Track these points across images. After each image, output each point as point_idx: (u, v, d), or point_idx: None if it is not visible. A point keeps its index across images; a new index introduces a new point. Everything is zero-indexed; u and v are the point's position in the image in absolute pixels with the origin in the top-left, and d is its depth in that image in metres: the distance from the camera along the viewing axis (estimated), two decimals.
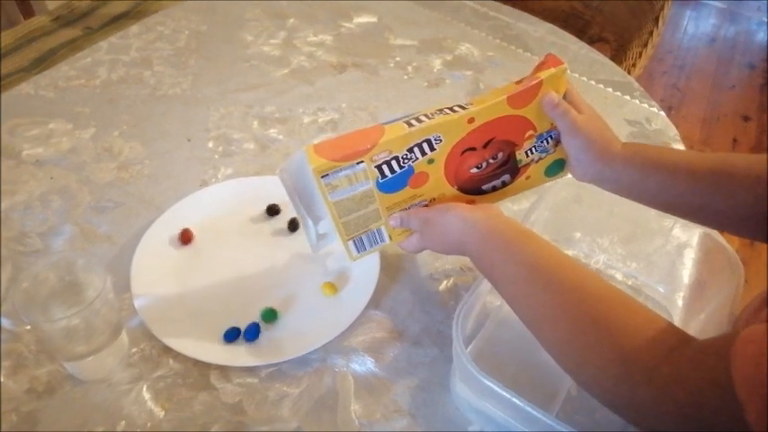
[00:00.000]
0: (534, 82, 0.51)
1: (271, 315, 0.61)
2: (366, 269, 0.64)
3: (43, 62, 0.95)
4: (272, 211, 0.71)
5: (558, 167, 0.58)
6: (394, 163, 0.52)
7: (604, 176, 0.54)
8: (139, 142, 0.82)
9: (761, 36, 2.59)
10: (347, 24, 1.07)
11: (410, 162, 0.52)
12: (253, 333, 0.59)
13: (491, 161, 0.55)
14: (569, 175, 0.58)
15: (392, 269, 0.67)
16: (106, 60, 0.96)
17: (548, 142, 0.55)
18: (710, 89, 2.29)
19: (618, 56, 1.10)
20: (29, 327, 0.59)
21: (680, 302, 0.64)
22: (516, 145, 0.55)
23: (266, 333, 0.60)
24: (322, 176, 0.51)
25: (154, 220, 0.68)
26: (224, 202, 0.72)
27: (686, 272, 0.66)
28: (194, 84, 0.93)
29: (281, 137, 0.84)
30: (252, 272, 0.66)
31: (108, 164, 0.79)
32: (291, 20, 1.08)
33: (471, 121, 0.51)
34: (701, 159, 0.51)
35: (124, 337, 0.58)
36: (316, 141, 0.53)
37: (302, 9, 1.10)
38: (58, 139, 0.82)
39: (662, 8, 1.06)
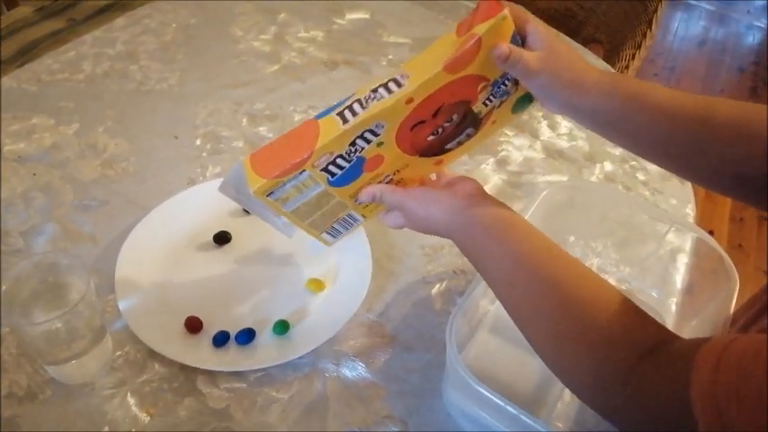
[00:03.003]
0: (471, 42, 0.45)
1: (282, 327, 0.59)
2: (358, 272, 0.63)
3: (26, 54, 0.93)
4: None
5: (525, 102, 0.53)
6: (339, 161, 0.48)
7: (578, 109, 0.49)
8: (125, 139, 0.80)
9: (750, 39, 2.61)
10: (339, 21, 1.06)
11: (357, 153, 0.48)
12: (246, 337, 0.58)
13: (446, 125, 0.50)
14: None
15: (384, 272, 0.66)
16: (91, 54, 0.94)
17: (505, 85, 0.50)
18: (700, 92, 2.29)
19: (611, 57, 1.10)
20: (9, 329, 0.58)
21: (673, 308, 0.64)
22: (470, 101, 0.49)
23: (255, 337, 0.59)
24: (267, 195, 0.48)
25: (139, 219, 0.67)
26: (211, 202, 0.70)
27: (679, 277, 0.66)
28: (182, 79, 0.91)
29: (270, 135, 0.83)
30: (240, 273, 0.65)
31: (92, 161, 0.77)
32: (282, 15, 1.06)
33: (410, 101, 0.46)
34: (684, 103, 0.48)
35: (108, 340, 0.56)
36: (254, 150, 0.50)
37: (293, 4, 1.09)
38: (40, 134, 0.80)
39: (655, 10, 1.06)
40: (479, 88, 0.49)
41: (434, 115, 0.49)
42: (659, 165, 0.52)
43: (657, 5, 1.07)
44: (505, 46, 0.45)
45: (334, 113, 0.48)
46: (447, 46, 0.47)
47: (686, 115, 0.47)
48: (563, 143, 0.85)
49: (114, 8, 1.04)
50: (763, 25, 2.64)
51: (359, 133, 0.47)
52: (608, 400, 0.39)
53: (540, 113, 0.90)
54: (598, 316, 0.40)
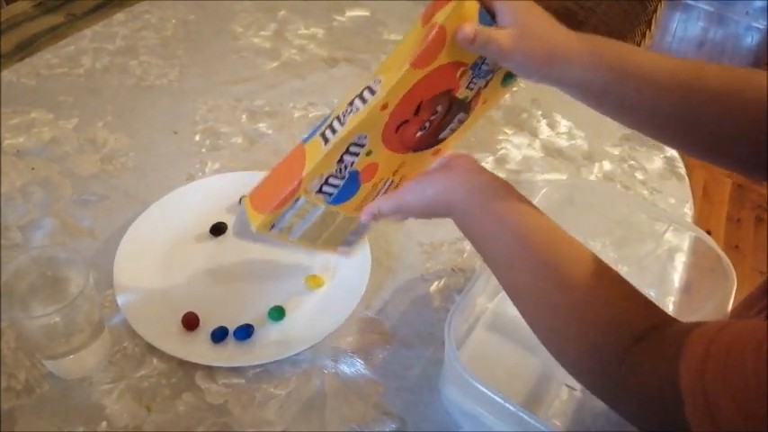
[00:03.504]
0: (433, 33, 0.43)
1: (278, 313, 0.60)
2: (356, 269, 0.63)
3: (25, 49, 0.93)
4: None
5: (514, 75, 0.51)
6: (332, 180, 0.47)
7: (560, 81, 0.47)
8: (124, 134, 0.80)
9: (749, 40, 2.62)
10: (339, 18, 1.06)
11: (348, 169, 0.47)
12: (244, 333, 0.58)
13: (432, 118, 0.48)
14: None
15: (383, 270, 0.66)
16: (90, 48, 0.94)
17: (486, 65, 0.48)
18: None
19: None
20: (7, 323, 0.57)
21: (671, 306, 0.64)
22: (452, 89, 0.48)
23: (254, 333, 0.59)
24: (270, 228, 0.48)
25: (138, 214, 0.67)
26: (211, 198, 0.70)
27: (677, 276, 0.66)
28: (182, 75, 0.91)
29: (270, 131, 0.83)
30: (239, 270, 0.65)
31: (91, 156, 0.77)
32: (283, 12, 1.06)
33: (385, 107, 0.45)
34: (671, 70, 0.46)
35: (106, 334, 0.56)
36: (250, 191, 0.50)
37: (294, 1, 1.08)
38: (39, 129, 0.79)
39: (654, 10, 1.07)
40: (458, 74, 0.47)
41: (416, 113, 0.47)
42: (647, 134, 0.51)
43: (657, 6, 1.08)
44: (469, 28, 0.43)
45: (317, 135, 0.47)
46: (414, 40, 0.44)
47: (673, 83, 0.45)
48: (562, 142, 0.85)
49: (113, 4, 1.04)
50: (761, 26, 2.65)
51: (343, 150, 0.46)
52: (605, 381, 0.39)
53: (539, 112, 0.90)
54: (596, 297, 0.40)
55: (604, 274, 0.41)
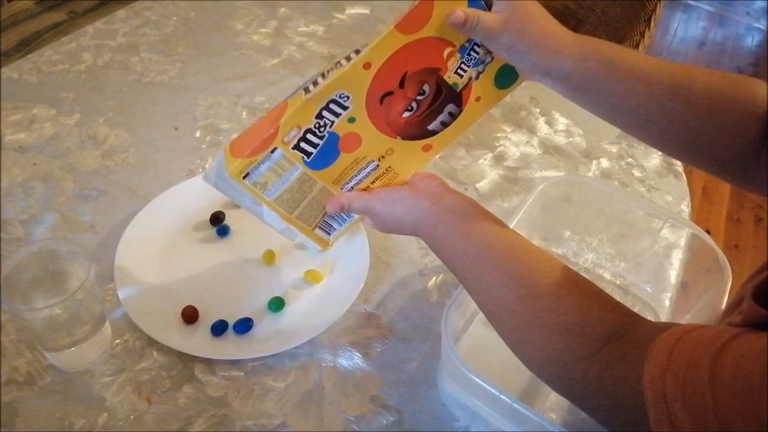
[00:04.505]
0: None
1: (278, 304, 0.60)
2: (355, 264, 0.64)
3: (27, 45, 0.93)
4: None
5: (509, 76, 0.50)
6: (310, 137, 0.47)
7: (549, 72, 0.47)
8: (125, 130, 0.80)
9: (749, 40, 2.62)
10: (339, 15, 1.06)
11: (327, 128, 0.47)
12: (244, 326, 0.58)
13: (419, 98, 0.48)
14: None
15: (381, 265, 0.66)
16: (91, 45, 0.94)
17: (476, 52, 0.48)
18: None
19: None
20: (9, 316, 0.58)
21: (667, 303, 0.65)
22: (439, 69, 0.47)
23: (253, 326, 0.59)
24: (243, 177, 0.47)
25: (139, 209, 0.67)
26: (210, 194, 0.70)
27: (674, 272, 0.67)
28: (182, 71, 0.91)
29: None
30: (238, 263, 0.65)
31: (92, 151, 0.77)
32: (283, 9, 1.06)
33: (368, 66, 0.45)
34: (660, 70, 0.46)
35: (107, 328, 0.57)
36: (230, 141, 0.49)
37: None
38: (41, 124, 0.80)
39: (654, 9, 1.07)
40: (446, 55, 0.47)
41: (401, 85, 0.47)
42: (632, 133, 0.51)
43: (656, 5, 1.08)
44: (460, 12, 0.44)
45: (300, 89, 0.47)
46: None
47: (662, 82, 0.46)
48: (560, 139, 0.86)
49: (114, 1, 1.05)
50: (762, 27, 2.65)
51: (323, 104, 0.46)
52: (573, 387, 0.39)
53: (538, 110, 0.90)
54: (558, 306, 0.40)
55: (567, 283, 0.41)
